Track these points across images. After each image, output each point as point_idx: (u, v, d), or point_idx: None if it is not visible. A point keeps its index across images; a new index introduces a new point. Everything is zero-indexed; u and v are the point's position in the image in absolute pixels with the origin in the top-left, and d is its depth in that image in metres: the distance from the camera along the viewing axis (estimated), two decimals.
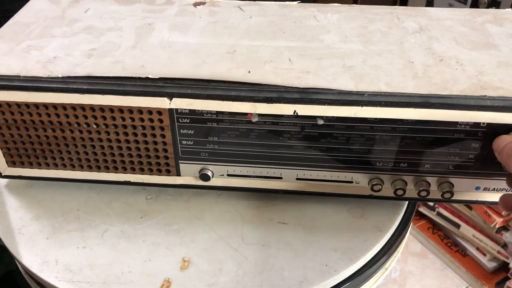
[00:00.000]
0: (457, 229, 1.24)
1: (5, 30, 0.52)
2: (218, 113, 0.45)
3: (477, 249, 1.23)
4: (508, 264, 1.16)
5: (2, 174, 0.52)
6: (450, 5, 1.33)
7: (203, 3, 0.58)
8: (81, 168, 0.51)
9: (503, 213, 1.11)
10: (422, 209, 1.32)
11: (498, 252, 1.16)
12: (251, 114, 0.45)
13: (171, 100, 0.45)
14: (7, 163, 0.51)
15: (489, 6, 1.21)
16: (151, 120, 0.46)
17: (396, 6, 0.58)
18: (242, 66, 0.46)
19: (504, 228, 1.14)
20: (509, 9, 0.56)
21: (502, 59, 0.47)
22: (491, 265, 1.20)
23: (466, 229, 1.21)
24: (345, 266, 0.46)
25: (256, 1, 0.59)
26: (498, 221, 1.11)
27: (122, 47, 0.49)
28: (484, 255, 1.21)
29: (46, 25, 0.53)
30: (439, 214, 1.27)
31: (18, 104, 0.46)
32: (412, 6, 1.54)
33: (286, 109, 0.44)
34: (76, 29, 0.52)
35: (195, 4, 0.57)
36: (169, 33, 0.52)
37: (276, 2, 0.58)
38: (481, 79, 0.44)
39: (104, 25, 0.53)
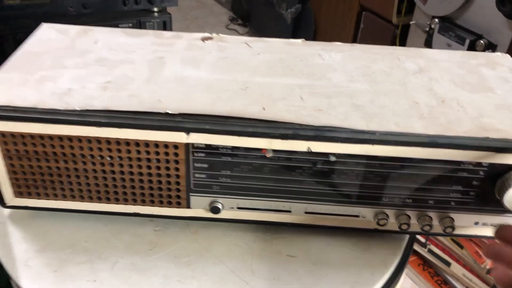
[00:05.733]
0: (447, 267, 1.25)
1: (17, 60, 0.52)
2: (233, 148, 0.47)
3: None
4: None
5: (8, 205, 0.51)
6: (448, 45, 1.38)
7: (211, 38, 0.59)
8: (90, 199, 0.51)
9: None
10: (414, 245, 1.33)
11: None
12: (266, 149, 0.46)
13: (188, 135, 0.46)
14: (14, 193, 0.50)
15: (485, 48, 1.27)
16: (167, 154, 0.47)
17: (395, 47, 0.61)
18: (256, 103, 0.48)
19: None
20: (499, 53, 0.60)
21: (498, 101, 0.50)
22: None
23: (456, 268, 1.23)
24: None
25: (262, 38, 0.61)
26: (489, 262, 1.13)
27: (137, 80, 0.50)
28: None
29: (58, 55, 0.53)
30: (430, 251, 1.29)
31: (31, 136, 0.46)
32: (411, 44, 1.60)
33: (300, 145, 0.46)
34: (88, 61, 0.53)
35: (203, 39, 0.59)
36: (182, 67, 0.53)
37: (281, 40, 0.61)
38: (482, 121, 0.47)
39: (115, 57, 0.54)
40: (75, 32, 0.59)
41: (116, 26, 1.11)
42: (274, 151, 0.46)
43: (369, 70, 0.55)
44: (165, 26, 1.15)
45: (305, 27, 2.15)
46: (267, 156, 0.47)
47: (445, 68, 0.56)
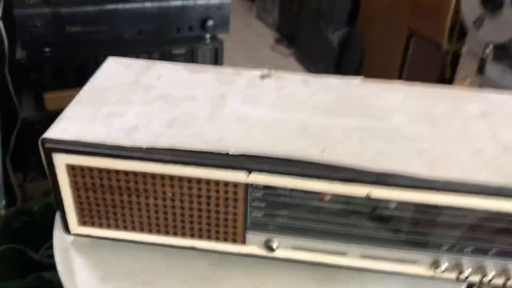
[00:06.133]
0: None
1: (86, 95, 0.55)
2: (292, 189, 0.47)
3: None
4: None
5: (72, 232, 0.53)
6: (503, 73, 1.35)
7: (269, 76, 0.60)
8: (149, 231, 0.52)
9: None
10: None
11: None
12: (324, 193, 0.47)
13: (248, 175, 0.46)
14: (78, 222, 0.53)
15: None
16: (226, 192, 0.48)
17: (455, 88, 0.60)
18: (315, 145, 0.48)
19: None
20: None
21: None
22: None
23: None
24: None
25: (319, 76, 0.61)
26: None
27: (199, 118, 0.51)
28: None
29: (123, 91, 0.56)
30: None
31: (99, 169, 0.48)
32: (462, 71, 1.55)
33: (359, 190, 0.46)
34: (152, 97, 0.55)
35: (262, 76, 0.60)
36: (242, 105, 0.54)
37: (339, 78, 0.61)
38: None
39: (178, 93, 0.56)
40: (140, 67, 0.61)
41: (170, 52, 1.14)
42: (333, 194, 0.47)
43: (430, 113, 0.54)
44: (217, 52, 1.18)
45: (351, 51, 2.15)
46: (325, 199, 0.47)
47: (509, 113, 0.55)
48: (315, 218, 0.49)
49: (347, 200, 0.47)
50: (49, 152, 0.48)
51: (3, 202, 1.09)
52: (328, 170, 0.46)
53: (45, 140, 0.48)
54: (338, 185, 0.46)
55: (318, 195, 0.47)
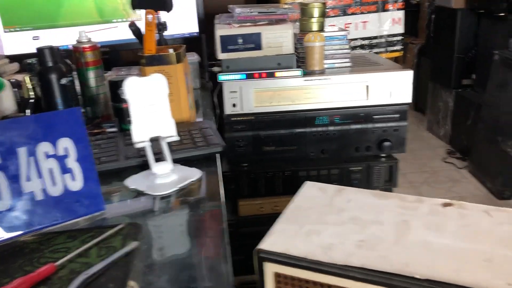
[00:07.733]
0: None
1: (289, 214, 0.67)
2: None
3: None
4: None
5: None
6: None
7: (451, 205, 0.65)
8: None
9: None
10: None
11: None
12: None
13: None
14: None
15: None
16: None
17: None
18: (501, 278, 0.51)
19: None
20: None
21: None
22: None
23: None
24: None
25: (504, 208, 0.64)
26: None
27: (386, 242, 0.58)
28: None
29: (319, 211, 0.66)
30: None
31: (299, 279, 0.58)
32: None
33: None
34: (344, 218, 0.64)
35: (444, 205, 0.65)
36: (425, 232, 0.60)
37: None
38: None
39: (366, 217, 0.64)
40: (332, 191, 0.72)
41: (348, 168, 1.25)
42: None
43: None
44: (392, 170, 1.25)
45: None
46: None
47: None
48: None
49: None
50: (261, 261, 0.59)
51: None
52: None
53: (259, 251, 0.59)
54: None
55: None
